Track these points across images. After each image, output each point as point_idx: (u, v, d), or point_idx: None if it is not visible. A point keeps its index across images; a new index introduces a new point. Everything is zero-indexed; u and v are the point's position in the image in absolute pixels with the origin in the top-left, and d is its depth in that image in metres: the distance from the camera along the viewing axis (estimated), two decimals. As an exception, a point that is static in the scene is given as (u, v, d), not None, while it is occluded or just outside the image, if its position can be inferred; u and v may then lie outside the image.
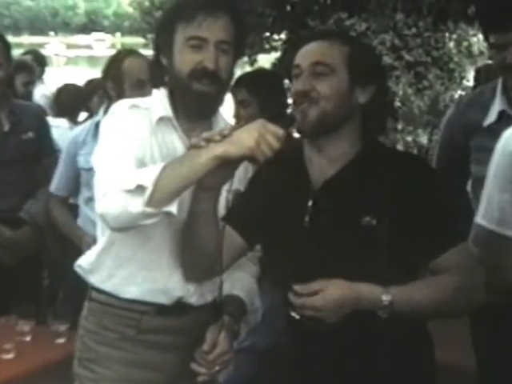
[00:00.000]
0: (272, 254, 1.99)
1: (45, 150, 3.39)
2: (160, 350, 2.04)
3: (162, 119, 1.98)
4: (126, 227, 1.82)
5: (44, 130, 3.45)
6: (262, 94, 3.02)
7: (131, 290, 2.01)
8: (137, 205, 1.70)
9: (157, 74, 2.07)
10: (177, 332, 2.04)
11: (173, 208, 1.73)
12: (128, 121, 1.94)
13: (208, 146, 1.68)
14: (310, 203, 1.85)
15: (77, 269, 2.11)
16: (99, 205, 1.80)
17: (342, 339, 1.82)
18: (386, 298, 1.73)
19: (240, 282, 2.11)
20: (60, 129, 4.37)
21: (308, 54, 1.86)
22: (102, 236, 2.05)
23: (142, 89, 2.96)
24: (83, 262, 2.10)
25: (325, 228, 1.83)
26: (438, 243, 1.80)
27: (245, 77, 3.28)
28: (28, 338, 2.81)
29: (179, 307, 2.03)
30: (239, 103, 3.09)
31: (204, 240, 1.86)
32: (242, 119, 3.03)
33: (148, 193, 1.69)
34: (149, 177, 1.70)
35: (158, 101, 2.01)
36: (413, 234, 1.76)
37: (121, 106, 2.00)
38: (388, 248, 1.74)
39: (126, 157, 1.85)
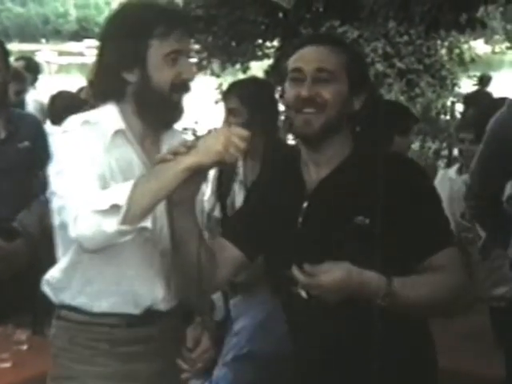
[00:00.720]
0: (269, 257, 2.01)
1: (41, 160, 3.36)
2: (134, 360, 2.05)
3: (116, 133, 1.97)
4: (101, 247, 1.82)
5: (41, 139, 3.40)
6: (252, 104, 3.01)
7: (100, 305, 2.01)
8: (111, 224, 1.72)
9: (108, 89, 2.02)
10: (149, 341, 2.05)
11: (147, 223, 1.76)
12: (83, 139, 1.91)
13: (175, 159, 1.71)
14: (305, 205, 1.88)
15: (44, 286, 2.08)
16: (72, 229, 1.78)
17: (342, 340, 1.85)
18: (388, 286, 1.75)
19: None
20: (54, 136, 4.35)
21: (310, 58, 1.88)
22: (63, 256, 2.02)
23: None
24: (51, 278, 2.06)
25: (318, 228, 1.86)
26: (428, 245, 1.83)
27: (236, 84, 3.28)
28: (25, 347, 2.81)
29: (149, 315, 2.03)
30: (229, 111, 3.07)
31: (189, 255, 1.85)
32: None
33: (123, 211, 1.71)
34: (122, 195, 1.72)
35: (109, 114, 1.99)
36: (404, 235, 1.79)
37: (72, 124, 1.96)
38: (381, 247, 1.75)
39: (89, 177, 1.84)
